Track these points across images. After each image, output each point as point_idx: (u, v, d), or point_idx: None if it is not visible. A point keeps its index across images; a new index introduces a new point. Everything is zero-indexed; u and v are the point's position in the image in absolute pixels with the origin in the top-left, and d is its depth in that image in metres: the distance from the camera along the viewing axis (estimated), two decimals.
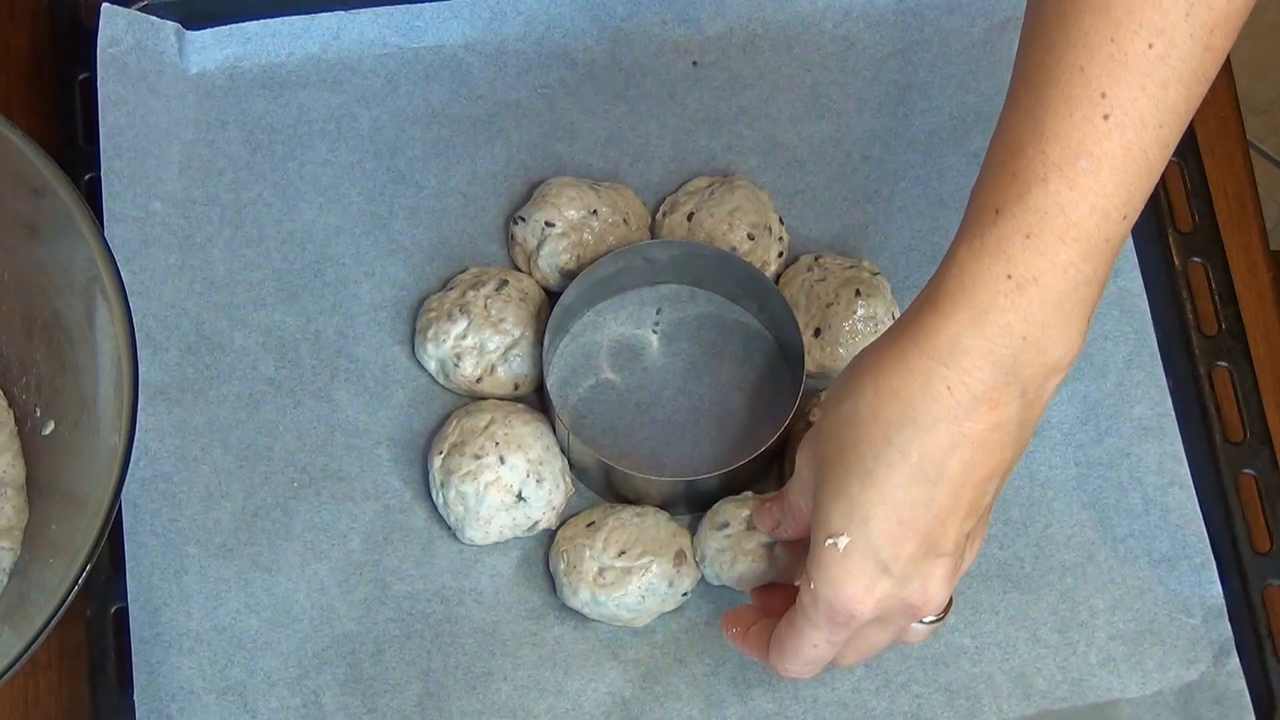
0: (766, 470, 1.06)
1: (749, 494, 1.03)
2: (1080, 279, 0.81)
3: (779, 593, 0.98)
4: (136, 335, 0.94)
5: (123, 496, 1.02)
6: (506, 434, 1.03)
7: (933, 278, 0.84)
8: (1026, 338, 0.82)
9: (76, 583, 0.88)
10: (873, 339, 1.06)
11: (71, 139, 1.10)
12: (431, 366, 1.07)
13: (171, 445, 1.05)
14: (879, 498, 0.85)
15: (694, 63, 1.15)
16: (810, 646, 0.90)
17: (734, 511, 1.01)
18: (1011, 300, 0.81)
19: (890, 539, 0.85)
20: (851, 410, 0.85)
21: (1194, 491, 1.06)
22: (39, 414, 1.01)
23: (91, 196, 1.09)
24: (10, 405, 1.03)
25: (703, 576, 1.02)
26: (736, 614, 0.98)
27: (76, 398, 0.97)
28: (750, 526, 1.00)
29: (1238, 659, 1.02)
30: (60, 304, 0.97)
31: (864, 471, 0.85)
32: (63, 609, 0.88)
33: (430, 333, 1.06)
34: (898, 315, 1.08)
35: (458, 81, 1.13)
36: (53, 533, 0.97)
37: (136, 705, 1.00)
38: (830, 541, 0.86)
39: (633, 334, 1.09)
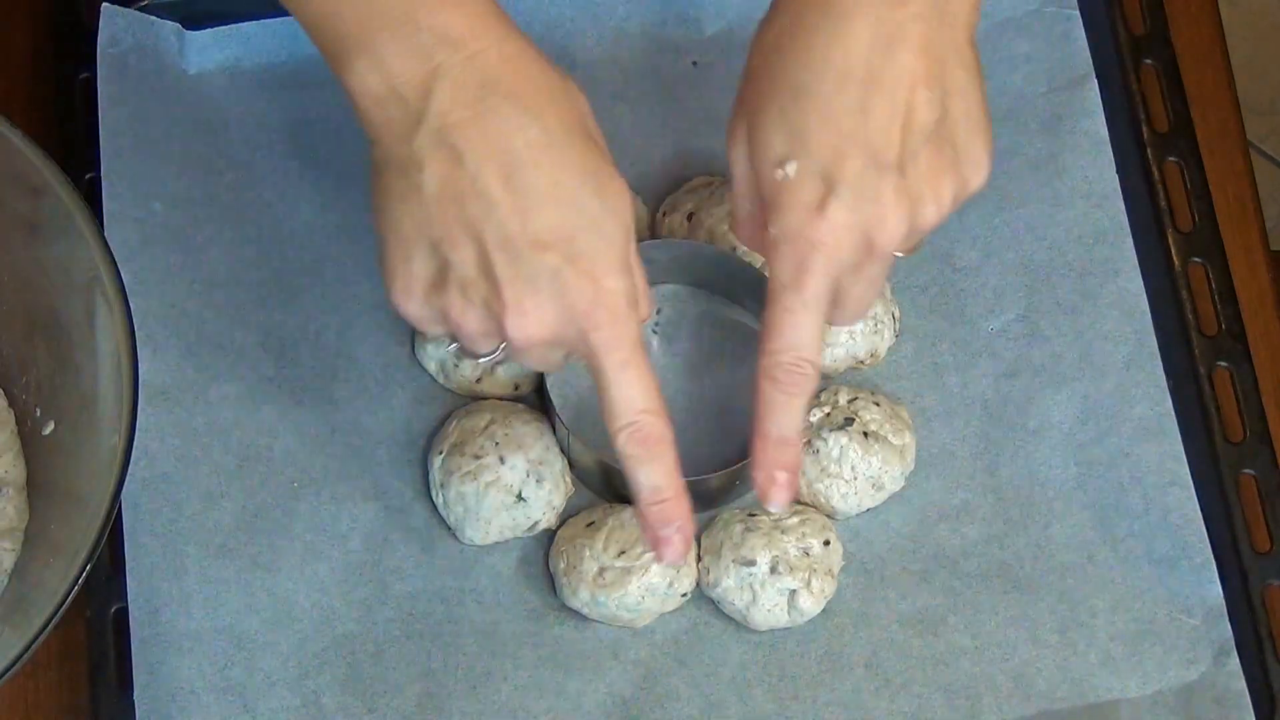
0: None
1: (763, 515, 1.03)
2: None
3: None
4: (136, 335, 0.94)
5: (123, 496, 1.02)
6: (506, 434, 1.03)
7: None
8: None
9: (76, 583, 0.88)
10: (872, 338, 1.06)
11: (71, 139, 1.10)
12: (431, 367, 1.07)
13: (171, 445, 1.05)
14: (813, 109, 0.84)
15: (694, 63, 1.15)
16: (788, 316, 0.87)
17: (761, 549, 1.01)
18: None
19: (833, 152, 0.84)
20: (775, 34, 0.85)
21: (1194, 491, 1.05)
22: (39, 414, 1.01)
23: (91, 196, 1.09)
24: (10, 405, 1.03)
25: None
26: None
27: (76, 398, 0.97)
28: (774, 570, 1.00)
29: (1238, 659, 1.02)
30: (60, 304, 0.97)
31: (794, 88, 0.84)
32: (63, 609, 0.88)
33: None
34: (898, 315, 1.08)
35: None
36: (53, 533, 0.97)
37: (136, 705, 1.00)
38: (779, 173, 0.85)
39: None
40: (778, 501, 0.92)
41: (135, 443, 0.96)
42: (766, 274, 1.06)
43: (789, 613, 1.02)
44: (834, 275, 0.87)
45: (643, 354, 0.87)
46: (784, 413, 0.90)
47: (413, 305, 0.88)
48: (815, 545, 1.02)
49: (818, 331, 0.88)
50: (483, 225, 0.84)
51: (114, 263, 0.93)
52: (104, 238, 0.93)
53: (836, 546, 1.03)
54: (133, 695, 1.00)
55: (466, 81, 0.83)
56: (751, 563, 1.01)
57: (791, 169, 0.85)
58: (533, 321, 0.86)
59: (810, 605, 1.01)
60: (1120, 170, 1.12)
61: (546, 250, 0.84)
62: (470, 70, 0.84)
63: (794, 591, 1.01)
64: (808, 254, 0.86)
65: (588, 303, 0.85)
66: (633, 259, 0.88)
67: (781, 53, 0.85)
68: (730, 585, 1.01)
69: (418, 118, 0.84)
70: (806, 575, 1.01)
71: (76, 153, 1.10)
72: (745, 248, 0.92)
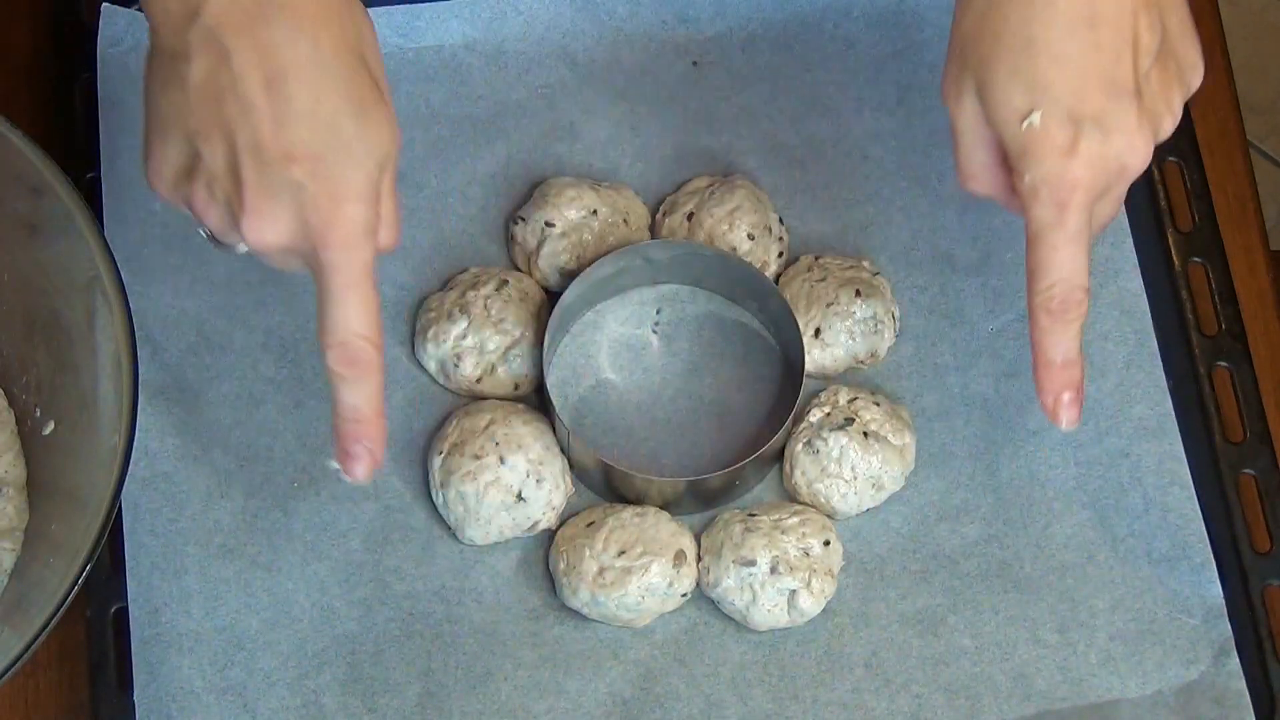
0: (767, 470, 1.06)
1: (763, 516, 1.03)
2: None
3: None
4: (136, 335, 0.94)
5: (123, 496, 1.02)
6: (506, 434, 1.03)
7: None
8: None
9: (76, 583, 0.88)
10: (872, 338, 1.06)
11: (71, 139, 1.10)
12: (431, 366, 1.07)
13: (172, 445, 1.05)
14: (1049, 58, 0.87)
15: (694, 63, 1.15)
16: (1056, 253, 0.91)
17: (761, 549, 1.01)
18: None
19: (1075, 93, 0.88)
20: None
21: (1194, 491, 1.06)
22: (39, 414, 1.01)
23: (91, 196, 1.09)
24: (10, 405, 1.03)
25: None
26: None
27: (76, 397, 0.97)
28: (774, 570, 1.01)
29: (1237, 659, 1.02)
30: (60, 304, 0.97)
31: (1024, 41, 0.88)
32: (63, 609, 0.88)
33: (430, 333, 1.06)
34: (898, 315, 1.08)
35: (458, 81, 1.13)
36: (53, 533, 0.97)
37: (136, 705, 1.00)
38: (1025, 124, 0.88)
39: (633, 334, 1.09)
40: (1069, 418, 0.94)
41: (135, 443, 0.96)
42: (768, 275, 1.08)
43: (789, 613, 1.02)
44: (1091, 206, 0.90)
45: (370, 282, 0.88)
46: (1065, 337, 0.93)
47: (162, 188, 0.90)
48: (815, 545, 1.02)
49: (1085, 259, 0.91)
50: (236, 127, 0.85)
51: (114, 263, 0.93)
52: (104, 238, 0.93)
53: (836, 547, 1.03)
54: (133, 695, 1.00)
55: None
56: (752, 563, 1.01)
57: (1037, 118, 0.88)
58: (269, 228, 0.87)
59: (810, 605, 1.01)
60: None
61: (293, 164, 0.85)
62: None
63: (794, 591, 1.01)
64: (1068, 194, 0.89)
65: (323, 223, 0.86)
66: (384, 189, 0.89)
67: (1001, 10, 0.89)
68: (730, 585, 1.01)
69: (194, 13, 0.85)
70: (806, 575, 1.01)
71: (76, 153, 1.10)
72: (979, 195, 0.95)
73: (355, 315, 0.88)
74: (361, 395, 0.90)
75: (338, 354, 0.88)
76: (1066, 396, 0.94)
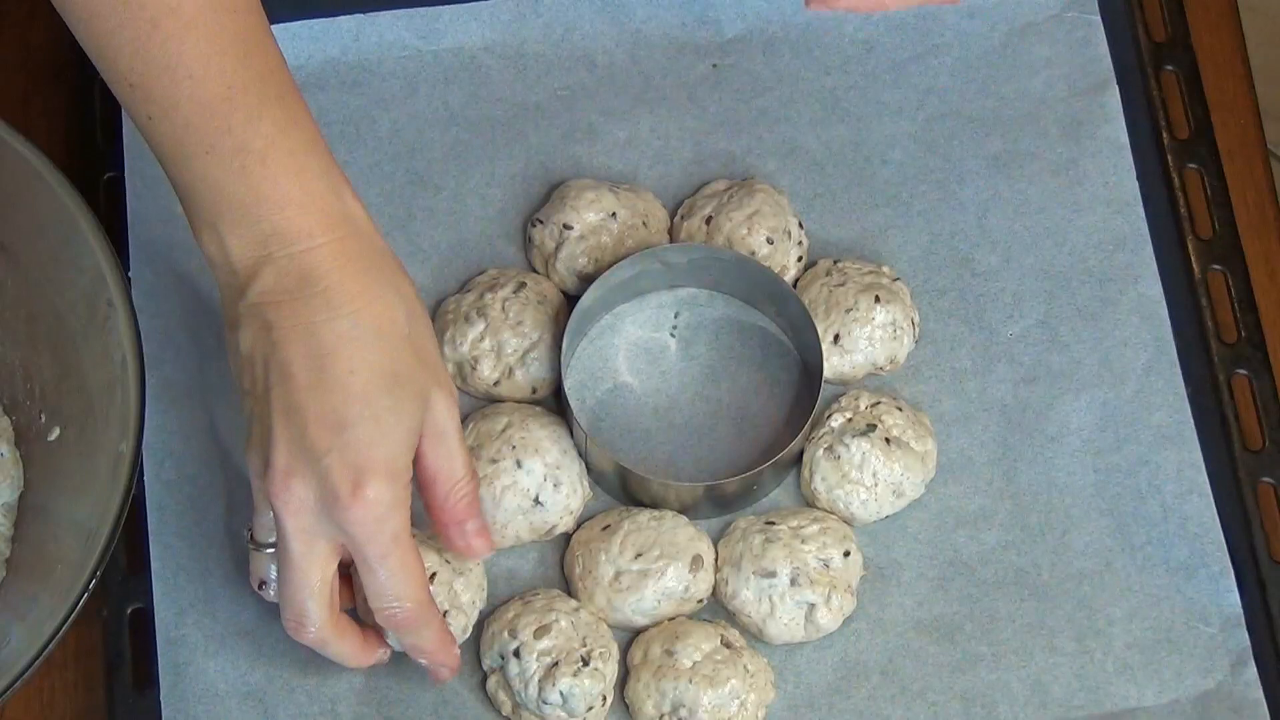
0: (784, 475, 1.06)
1: (782, 525, 1.03)
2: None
3: None
4: (160, 336, 0.94)
5: (148, 498, 1.03)
6: (523, 438, 1.03)
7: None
8: None
9: (86, 589, 0.88)
10: (892, 344, 1.06)
11: (91, 138, 1.11)
12: (449, 369, 1.07)
13: (197, 447, 1.05)
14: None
15: (714, 65, 1.14)
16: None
17: (782, 560, 1.01)
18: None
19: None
20: None
21: (1212, 500, 1.05)
22: (43, 419, 1.01)
23: (111, 196, 1.09)
24: (14, 411, 1.03)
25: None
26: None
27: (82, 403, 0.97)
28: (794, 582, 1.00)
29: (1255, 668, 1.02)
30: (65, 308, 0.97)
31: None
32: (72, 616, 0.88)
33: (448, 335, 1.06)
34: (917, 321, 1.08)
35: (477, 84, 1.13)
36: (60, 540, 0.97)
37: (163, 706, 1.00)
38: None
39: (651, 338, 1.09)
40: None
41: (161, 444, 0.96)
42: (786, 279, 1.07)
43: (805, 628, 1.01)
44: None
45: (404, 547, 0.92)
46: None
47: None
48: (835, 556, 1.02)
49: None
50: (274, 392, 0.90)
51: (120, 266, 0.94)
52: (109, 241, 0.94)
53: (856, 558, 1.02)
54: (148, 695, 1.00)
55: (290, 271, 0.90)
56: (772, 574, 1.01)
57: None
58: (295, 488, 0.90)
59: (828, 622, 1.01)
60: (1140, 177, 1.12)
61: (324, 431, 0.89)
62: (298, 262, 0.90)
63: (813, 606, 1.01)
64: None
65: (347, 496, 0.90)
66: (430, 449, 0.93)
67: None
68: (749, 597, 1.01)
69: (242, 290, 0.91)
70: (826, 591, 1.01)
71: (98, 153, 1.10)
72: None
73: (395, 582, 0.92)
74: (420, 640, 0.95)
75: (386, 618, 0.94)
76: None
